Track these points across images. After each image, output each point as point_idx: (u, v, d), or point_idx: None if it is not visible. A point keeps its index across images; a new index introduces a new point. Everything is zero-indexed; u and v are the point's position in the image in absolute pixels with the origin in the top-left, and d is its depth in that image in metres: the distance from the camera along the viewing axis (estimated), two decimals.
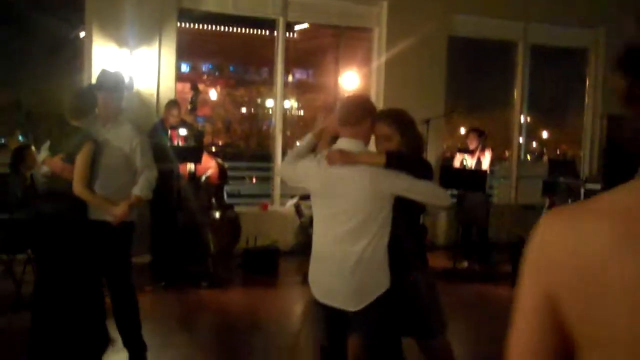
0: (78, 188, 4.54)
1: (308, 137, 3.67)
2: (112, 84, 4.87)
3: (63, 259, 4.66)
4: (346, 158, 3.29)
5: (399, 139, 3.53)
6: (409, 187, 3.26)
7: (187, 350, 5.15)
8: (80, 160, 4.54)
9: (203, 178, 7.96)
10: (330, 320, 3.41)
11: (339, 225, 3.30)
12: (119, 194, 4.69)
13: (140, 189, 4.72)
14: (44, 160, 4.78)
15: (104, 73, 4.97)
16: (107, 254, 4.77)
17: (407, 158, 3.39)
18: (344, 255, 3.27)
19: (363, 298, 3.26)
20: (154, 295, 7.10)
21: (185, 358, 5.07)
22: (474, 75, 15.42)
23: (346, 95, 3.93)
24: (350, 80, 10.80)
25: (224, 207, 8.32)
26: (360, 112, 3.41)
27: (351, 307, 3.27)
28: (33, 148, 7.02)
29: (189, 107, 7.91)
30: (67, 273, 4.69)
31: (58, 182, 4.69)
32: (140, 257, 8.42)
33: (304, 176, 3.51)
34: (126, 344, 4.96)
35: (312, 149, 3.62)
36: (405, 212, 3.41)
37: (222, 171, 8.28)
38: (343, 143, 3.36)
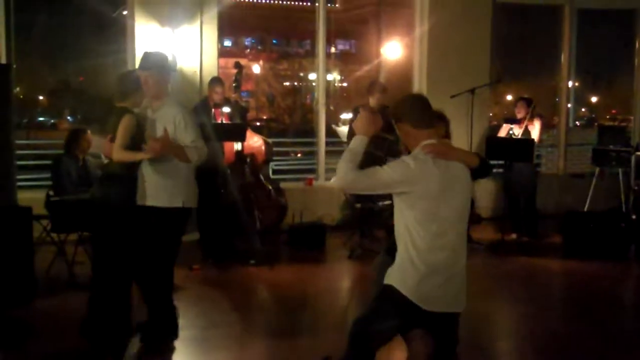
0: (116, 152, 4.64)
1: (359, 140, 3.43)
2: (156, 65, 4.87)
3: (116, 242, 4.75)
4: (451, 151, 3.37)
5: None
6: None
7: (236, 328, 5.19)
8: (120, 129, 4.63)
9: (250, 156, 7.98)
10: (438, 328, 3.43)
11: (456, 226, 3.34)
12: (169, 174, 4.73)
13: (189, 150, 4.67)
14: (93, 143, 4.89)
15: (147, 54, 4.98)
16: (158, 238, 4.79)
17: (487, 162, 3.49)
18: (460, 256, 3.36)
19: (464, 297, 3.39)
20: (203, 273, 7.18)
21: (234, 337, 5.11)
22: (520, 41, 15.12)
23: (409, 96, 3.78)
24: (392, 51, 10.65)
25: (270, 184, 8.34)
26: (434, 114, 3.55)
27: (459, 308, 3.38)
28: (89, 132, 7.13)
29: (233, 85, 7.90)
30: (120, 256, 4.78)
31: (112, 166, 4.79)
32: (188, 235, 8.55)
33: (413, 181, 3.27)
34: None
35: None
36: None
37: (267, 148, 8.29)
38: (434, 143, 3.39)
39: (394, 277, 3.33)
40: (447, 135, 3.70)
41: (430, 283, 3.25)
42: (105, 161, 4.90)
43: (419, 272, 3.25)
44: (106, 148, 4.78)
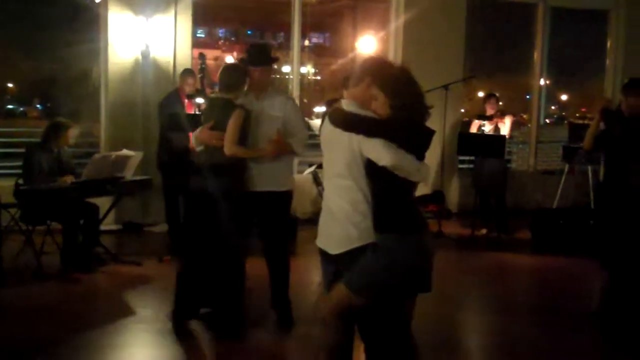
0: (229, 148, 4.79)
1: None
2: (271, 61, 5.12)
3: (223, 231, 4.87)
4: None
5: (383, 100, 3.33)
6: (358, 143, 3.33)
7: (207, 319, 5.17)
8: (231, 124, 4.78)
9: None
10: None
11: (331, 179, 3.53)
12: (278, 161, 5.03)
13: (295, 143, 5.04)
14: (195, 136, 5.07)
15: (262, 49, 5.18)
16: (271, 221, 5.15)
17: (347, 113, 3.40)
18: (338, 206, 3.46)
19: (345, 243, 3.43)
20: (173, 264, 7.14)
21: (207, 327, 5.10)
22: (493, 38, 15.20)
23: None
24: (367, 45, 10.65)
25: None
26: (360, 72, 3.49)
27: (332, 250, 3.49)
28: (72, 130, 6.99)
29: (199, 75, 7.83)
30: (224, 245, 4.92)
31: (215, 156, 4.87)
32: (158, 227, 8.52)
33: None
34: (276, 305, 5.31)
35: None
36: (380, 174, 3.33)
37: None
38: (341, 104, 3.50)
39: None
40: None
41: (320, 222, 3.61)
42: (199, 149, 5.02)
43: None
44: (205, 137, 4.93)
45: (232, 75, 4.98)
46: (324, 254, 3.58)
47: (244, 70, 5.01)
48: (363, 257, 3.36)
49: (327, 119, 3.51)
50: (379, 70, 3.46)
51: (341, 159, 3.40)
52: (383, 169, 3.26)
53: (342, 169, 3.40)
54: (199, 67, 7.84)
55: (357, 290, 3.37)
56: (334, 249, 3.48)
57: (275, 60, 5.25)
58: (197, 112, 7.64)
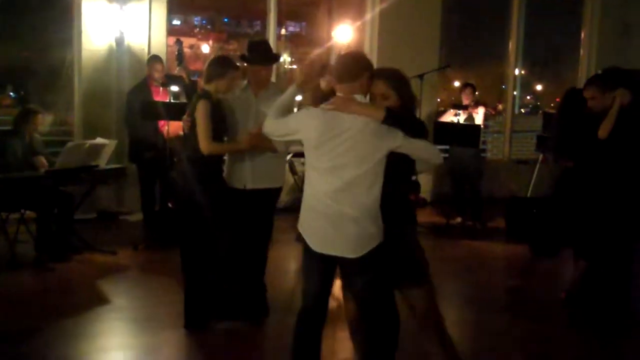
0: (205, 146, 4.66)
1: (291, 90, 3.76)
2: (260, 57, 5.00)
3: (201, 224, 4.80)
4: (351, 105, 3.37)
5: (395, 98, 3.55)
6: (405, 144, 3.39)
7: (181, 308, 5.16)
8: (199, 118, 4.67)
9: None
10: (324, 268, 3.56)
11: (339, 177, 3.38)
12: (273, 158, 4.97)
13: (277, 142, 4.87)
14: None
15: (267, 49, 5.10)
16: (261, 217, 5.08)
17: (404, 116, 3.44)
18: (351, 205, 3.38)
19: (362, 246, 3.39)
20: (148, 253, 7.13)
21: (180, 316, 5.09)
22: (469, 28, 15.26)
23: (342, 51, 4.01)
24: (343, 34, 10.64)
25: None
26: (357, 68, 3.50)
27: (351, 254, 3.39)
28: (41, 116, 6.96)
29: (176, 61, 7.78)
30: (208, 238, 4.84)
31: (186, 147, 4.86)
32: (133, 215, 8.48)
33: (297, 129, 3.53)
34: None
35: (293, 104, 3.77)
36: (395, 168, 3.48)
37: None
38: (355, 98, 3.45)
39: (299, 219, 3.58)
40: (401, 95, 3.61)
41: (308, 223, 3.49)
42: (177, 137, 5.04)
43: (305, 213, 3.54)
44: (184, 126, 4.88)
45: (212, 67, 4.89)
46: (323, 259, 3.47)
47: (230, 64, 4.91)
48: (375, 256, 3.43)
49: (324, 113, 3.44)
50: (386, 71, 3.66)
51: (361, 155, 3.37)
52: (398, 164, 3.46)
53: (361, 166, 3.37)
54: (176, 53, 7.79)
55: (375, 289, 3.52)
56: (353, 252, 3.40)
57: (278, 58, 5.17)
58: (172, 100, 7.59)
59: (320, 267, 3.52)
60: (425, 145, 3.47)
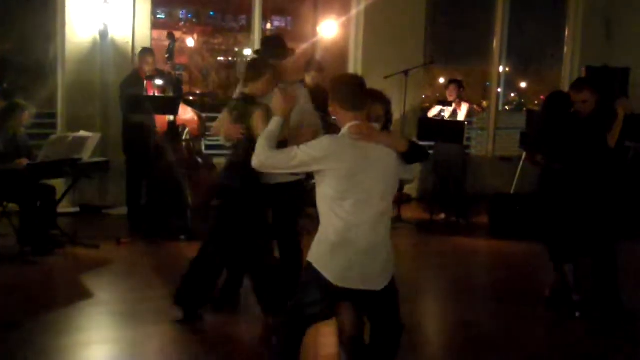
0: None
1: (277, 120, 3.58)
2: (277, 52, 4.96)
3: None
4: (378, 135, 3.40)
5: (384, 119, 3.70)
6: (411, 174, 3.65)
7: (165, 303, 5.15)
8: (258, 127, 4.41)
9: (185, 132, 7.86)
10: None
11: (374, 206, 3.36)
12: None
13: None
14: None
15: (266, 40, 5.20)
16: (284, 213, 5.08)
17: (421, 148, 3.56)
18: (381, 236, 3.41)
19: (387, 278, 3.44)
20: (132, 247, 7.10)
21: (164, 311, 5.08)
22: (454, 25, 15.31)
23: (342, 76, 3.89)
24: (329, 29, 10.64)
25: (203, 160, 8.26)
26: (367, 96, 3.53)
27: (379, 286, 3.40)
28: (28, 112, 6.86)
29: (166, 56, 7.76)
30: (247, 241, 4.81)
31: (236, 154, 4.75)
32: (116, 209, 8.44)
33: (323, 158, 3.33)
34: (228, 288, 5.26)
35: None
36: None
37: (200, 122, 8.19)
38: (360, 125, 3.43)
39: (311, 252, 3.43)
40: (387, 116, 3.70)
41: (339, 259, 3.32)
42: (228, 144, 4.90)
43: (331, 248, 3.34)
44: (231, 132, 4.72)
45: (248, 70, 4.81)
46: (342, 293, 3.38)
47: (265, 66, 4.77)
48: None
49: (348, 140, 3.37)
50: (378, 93, 3.75)
51: (390, 185, 3.46)
52: None
53: (385, 192, 3.42)
54: (167, 47, 7.77)
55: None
56: (379, 285, 3.40)
57: (292, 52, 5.24)
58: (156, 94, 7.58)
59: (334, 300, 3.43)
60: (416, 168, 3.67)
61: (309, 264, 3.40)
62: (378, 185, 3.37)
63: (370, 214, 3.35)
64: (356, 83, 3.52)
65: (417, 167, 3.66)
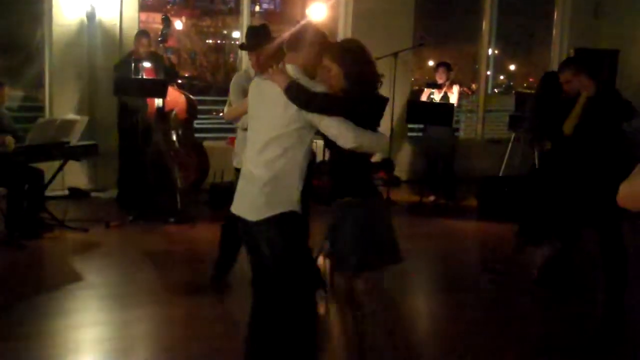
0: None
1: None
2: (263, 42, 4.82)
3: None
4: (274, 74, 3.34)
5: (337, 71, 3.40)
6: (314, 120, 3.26)
7: (153, 285, 5.16)
8: None
9: (173, 113, 7.83)
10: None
11: (257, 141, 3.40)
12: None
13: None
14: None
15: (252, 30, 5.03)
16: None
17: (304, 90, 3.24)
18: (260, 167, 3.35)
19: (260, 210, 3.32)
20: (121, 230, 7.09)
21: (154, 293, 5.09)
22: (443, 6, 15.29)
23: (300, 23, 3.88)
24: (317, 12, 10.58)
25: (193, 142, 8.25)
26: (298, 39, 3.45)
27: (252, 216, 3.36)
28: (7, 88, 6.82)
29: (159, 39, 7.70)
30: None
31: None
32: (106, 193, 8.42)
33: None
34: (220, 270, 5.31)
35: None
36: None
37: (190, 106, 8.16)
38: (287, 69, 3.40)
39: None
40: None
41: (238, 187, 3.50)
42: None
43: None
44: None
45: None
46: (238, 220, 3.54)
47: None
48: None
49: (257, 80, 3.57)
50: (329, 42, 3.52)
51: (271, 115, 3.36)
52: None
53: (272, 131, 3.33)
54: (160, 30, 7.72)
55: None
56: (250, 214, 3.41)
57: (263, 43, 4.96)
58: (143, 77, 7.54)
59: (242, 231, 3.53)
60: (338, 126, 3.23)
61: None
62: (267, 120, 3.36)
63: (254, 147, 3.40)
64: (297, 28, 3.58)
65: (340, 125, 3.22)
